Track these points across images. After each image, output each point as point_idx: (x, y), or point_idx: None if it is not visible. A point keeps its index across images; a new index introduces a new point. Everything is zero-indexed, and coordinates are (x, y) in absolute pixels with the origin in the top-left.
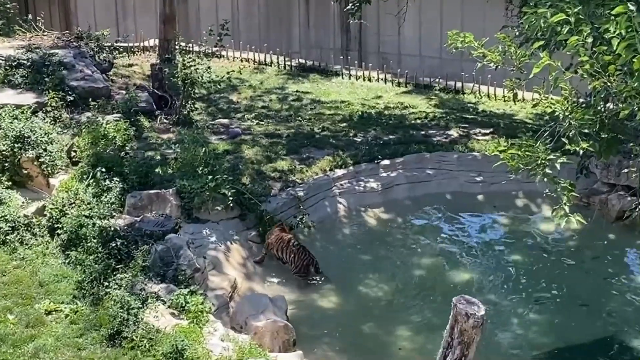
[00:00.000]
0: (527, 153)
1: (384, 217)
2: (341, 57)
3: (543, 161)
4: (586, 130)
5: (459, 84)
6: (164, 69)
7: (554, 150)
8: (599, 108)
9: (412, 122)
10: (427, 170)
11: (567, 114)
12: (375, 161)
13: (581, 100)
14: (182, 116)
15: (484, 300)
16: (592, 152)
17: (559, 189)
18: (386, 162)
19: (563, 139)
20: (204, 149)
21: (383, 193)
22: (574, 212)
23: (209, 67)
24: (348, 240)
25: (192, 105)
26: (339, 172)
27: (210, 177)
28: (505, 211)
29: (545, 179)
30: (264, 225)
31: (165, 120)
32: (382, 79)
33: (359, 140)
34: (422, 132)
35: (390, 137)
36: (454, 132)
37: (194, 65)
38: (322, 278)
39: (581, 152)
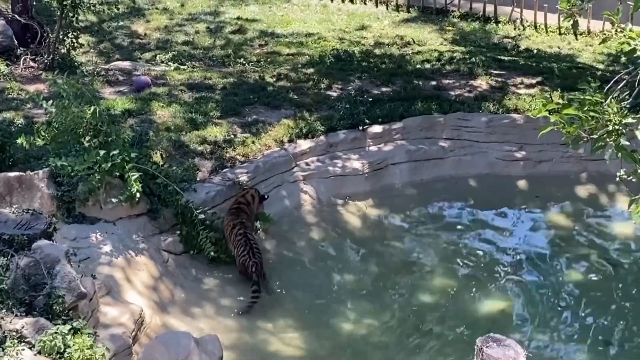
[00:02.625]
0: (592, 114)
1: (372, 214)
2: None
3: (616, 127)
4: None
5: (489, 8)
6: None
7: (633, 110)
8: None
9: (418, 66)
10: (439, 142)
11: None
12: (360, 127)
13: None
14: (58, 56)
15: (523, 342)
16: None
17: (639, 170)
18: (377, 128)
19: None
20: (92, 108)
21: (372, 177)
22: None
23: None
24: (317, 249)
25: (74, 40)
26: (304, 144)
27: (102, 152)
28: (558, 204)
29: (620, 155)
30: (188, 226)
31: (32, 63)
32: (371, 0)
33: (335, 95)
34: (433, 83)
35: (384, 89)
36: (481, 82)
37: None
38: (271, 292)
39: None
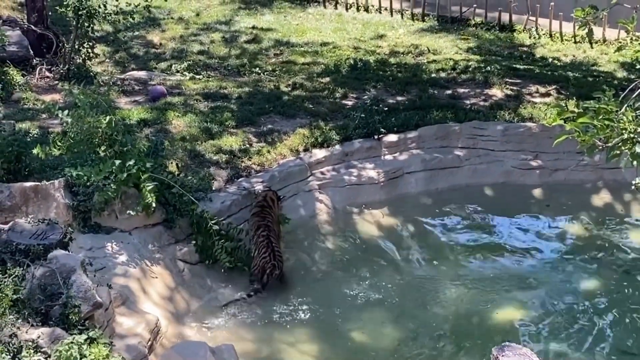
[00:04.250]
0: (607, 122)
1: (387, 223)
2: None
3: (631, 135)
4: None
5: (505, 17)
6: None
7: None
8: None
9: (433, 75)
10: (455, 151)
11: None
12: (376, 136)
13: None
14: (74, 66)
15: (540, 352)
16: None
17: None
18: (392, 137)
19: None
20: (108, 117)
21: (387, 186)
22: None
23: None
24: (333, 259)
25: (89, 50)
26: (319, 153)
27: (118, 162)
28: (573, 213)
29: (635, 163)
30: (204, 236)
31: (47, 73)
32: (386, 9)
33: (350, 104)
34: (449, 92)
35: (399, 98)
36: (497, 91)
37: None
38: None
39: None
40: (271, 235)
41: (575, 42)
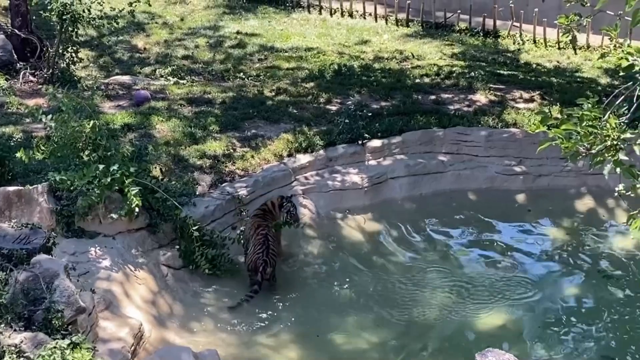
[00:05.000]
0: (590, 129)
1: (371, 229)
2: None
3: (614, 142)
4: None
5: (489, 23)
6: None
7: (631, 126)
8: None
9: (417, 80)
10: (439, 156)
11: None
12: (359, 142)
13: None
14: (58, 71)
15: (523, 357)
16: None
17: (638, 185)
18: (376, 143)
19: None
20: (92, 122)
21: (371, 191)
22: None
23: None
24: (317, 264)
25: (73, 55)
26: (303, 158)
27: (101, 167)
28: (557, 219)
29: (618, 170)
30: (187, 241)
31: (31, 78)
32: (370, 14)
33: (334, 109)
34: (432, 97)
35: (383, 104)
36: (481, 97)
37: None
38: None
39: None
40: (269, 235)
41: (559, 48)
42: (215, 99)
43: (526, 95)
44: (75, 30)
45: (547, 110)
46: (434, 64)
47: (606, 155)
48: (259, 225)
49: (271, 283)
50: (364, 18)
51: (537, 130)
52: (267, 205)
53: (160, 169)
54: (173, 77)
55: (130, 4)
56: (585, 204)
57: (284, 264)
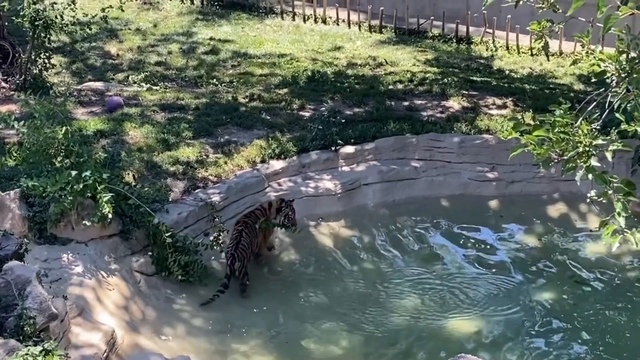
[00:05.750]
0: (562, 136)
1: (345, 235)
2: None
3: (587, 148)
4: None
5: (462, 30)
6: (1, 3)
7: (603, 132)
8: None
9: (391, 87)
10: (412, 162)
11: (623, 75)
12: (333, 148)
13: None
14: (30, 77)
15: None
16: None
17: (610, 191)
18: (349, 149)
19: (617, 115)
20: (64, 128)
21: (344, 197)
22: (634, 226)
23: (72, 1)
24: (289, 270)
25: (46, 61)
26: (276, 164)
27: (74, 173)
28: (529, 225)
29: (590, 176)
30: (160, 247)
31: (3, 84)
32: (344, 21)
33: (308, 115)
34: (405, 103)
35: (357, 110)
36: (454, 103)
37: None
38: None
39: None
40: (244, 231)
41: (532, 55)
42: (188, 105)
43: (499, 102)
44: (48, 36)
45: (519, 117)
46: (407, 71)
47: (578, 161)
48: (237, 221)
49: (242, 281)
50: (337, 24)
51: (509, 137)
52: (263, 206)
53: (133, 175)
54: (146, 84)
55: (103, 10)
56: (557, 210)
57: (258, 270)
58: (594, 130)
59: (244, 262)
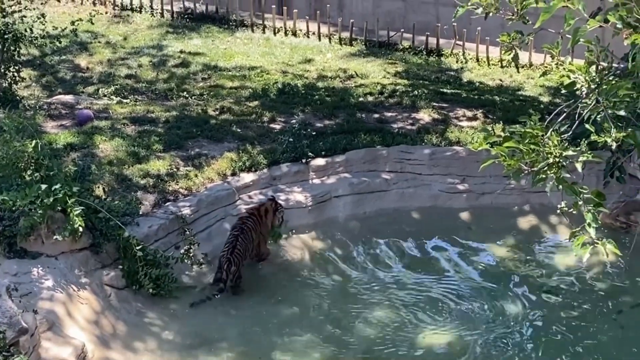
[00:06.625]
0: (532, 147)
1: (315, 247)
2: None
3: (557, 159)
4: (622, 112)
5: (432, 41)
6: None
7: (573, 143)
8: None
9: (361, 99)
10: (382, 174)
11: (592, 86)
12: (303, 160)
13: (615, 65)
14: (0, 90)
15: None
16: (631, 145)
17: (580, 202)
18: (320, 161)
19: (587, 126)
20: (34, 142)
21: (315, 210)
22: (604, 237)
23: (42, 15)
24: (260, 283)
25: (15, 74)
26: (247, 177)
27: (44, 186)
28: (500, 236)
29: (560, 187)
30: (130, 261)
31: None
32: (314, 33)
33: (278, 128)
34: (376, 116)
35: (327, 122)
36: (424, 115)
37: (19, 11)
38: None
39: (614, 145)
40: (240, 237)
41: (502, 67)
42: (158, 118)
43: (469, 114)
44: (18, 49)
45: (490, 128)
46: (378, 83)
47: (548, 172)
48: (234, 226)
49: (235, 283)
50: (308, 37)
51: (480, 148)
52: (259, 211)
53: (104, 189)
54: (116, 97)
55: (73, 23)
56: (528, 221)
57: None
58: (564, 141)
59: (239, 267)
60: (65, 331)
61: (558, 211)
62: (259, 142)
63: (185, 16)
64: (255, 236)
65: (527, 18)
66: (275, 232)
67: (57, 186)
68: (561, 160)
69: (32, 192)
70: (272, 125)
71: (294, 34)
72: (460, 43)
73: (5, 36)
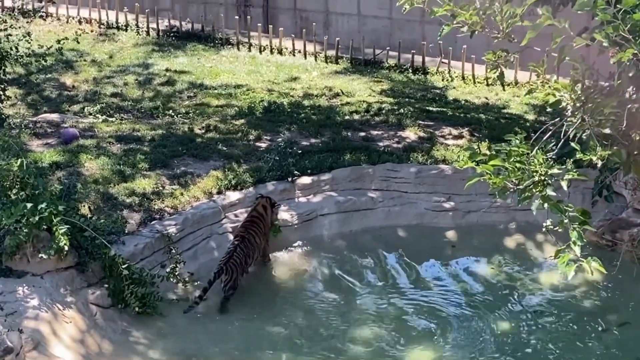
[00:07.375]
0: (518, 165)
1: (300, 266)
2: (237, 16)
3: (542, 177)
4: (607, 131)
5: (418, 59)
6: None
7: (559, 161)
8: (627, 95)
9: (347, 117)
10: (368, 193)
11: (578, 104)
12: (289, 179)
13: (601, 83)
14: None
15: None
16: (617, 163)
17: (565, 220)
18: (306, 180)
19: (573, 144)
20: (20, 160)
21: (301, 228)
22: (590, 255)
23: (28, 33)
24: (246, 300)
25: (1, 93)
26: (233, 195)
27: (29, 205)
28: (486, 254)
29: (546, 205)
30: (116, 280)
31: None
32: (300, 51)
33: (264, 146)
34: (362, 134)
35: (313, 141)
36: (410, 133)
37: (4, 30)
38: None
39: (600, 163)
40: (240, 247)
41: (487, 85)
42: (144, 136)
43: (455, 132)
44: (3, 68)
45: (475, 147)
46: (364, 101)
47: (534, 190)
48: (236, 235)
49: (226, 294)
50: (294, 55)
51: (465, 166)
52: (258, 211)
53: (89, 207)
54: (102, 115)
55: (59, 42)
56: (514, 239)
57: (214, 302)
58: (549, 159)
59: (232, 276)
60: (51, 350)
61: (544, 229)
62: (244, 160)
63: (171, 34)
64: (260, 240)
65: (512, 36)
66: (276, 227)
67: (43, 205)
68: (547, 179)
69: (18, 210)
70: (258, 144)
71: (280, 52)
72: (446, 61)
73: None
